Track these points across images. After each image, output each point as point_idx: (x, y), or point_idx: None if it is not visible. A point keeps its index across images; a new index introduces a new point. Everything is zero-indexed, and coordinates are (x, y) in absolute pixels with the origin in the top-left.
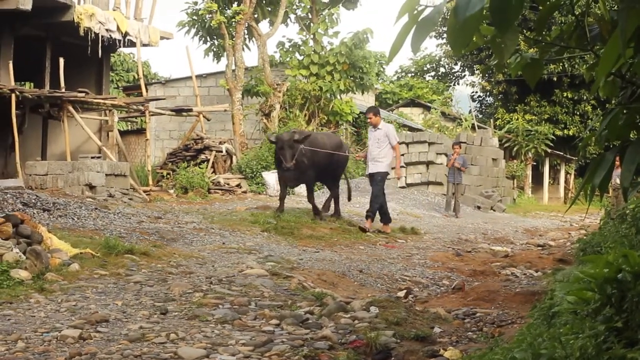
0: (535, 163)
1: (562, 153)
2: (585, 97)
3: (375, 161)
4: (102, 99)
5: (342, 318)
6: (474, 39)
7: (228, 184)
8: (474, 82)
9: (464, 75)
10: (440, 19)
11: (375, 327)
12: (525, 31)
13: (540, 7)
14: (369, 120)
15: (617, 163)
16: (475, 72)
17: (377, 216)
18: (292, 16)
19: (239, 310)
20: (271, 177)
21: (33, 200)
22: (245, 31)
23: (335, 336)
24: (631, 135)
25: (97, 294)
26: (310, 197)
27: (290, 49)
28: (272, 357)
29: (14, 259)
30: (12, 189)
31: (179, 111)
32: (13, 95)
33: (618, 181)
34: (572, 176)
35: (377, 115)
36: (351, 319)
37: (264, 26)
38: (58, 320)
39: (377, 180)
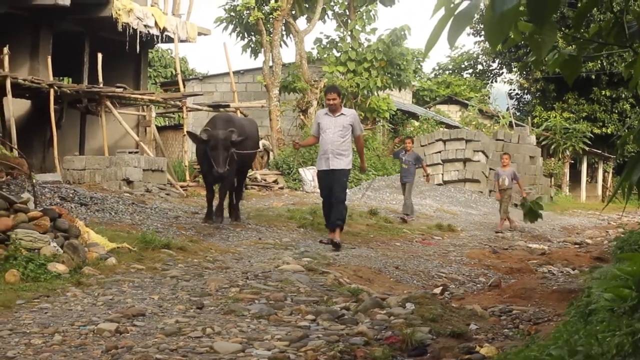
0: (573, 161)
1: (600, 151)
2: (623, 95)
3: (338, 155)
4: (140, 94)
5: (377, 314)
6: (512, 35)
7: (265, 180)
8: (512, 79)
9: (502, 73)
10: (477, 15)
11: (411, 324)
12: (563, 29)
13: (579, 4)
14: (331, 102)
15: (505, 162)
16: (513, 69)
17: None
18: (330, 13)
19: (275, 305)
20: (308, 174)
21: (71, 195)
22: (283, 27)
23: (371, 332)
24: None
25: (134, 288)
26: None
27: (328, 46)
28: (308, 352)
29: (52, 252)
30: (50, 183)
31: (216, 107)
32: (52, 90)
33: (507, 182)
34: (610, 174)
35: (340, 97)
36: (387, 315)
37: (301, 22)
38: (95, 313)
39: (343, 180)
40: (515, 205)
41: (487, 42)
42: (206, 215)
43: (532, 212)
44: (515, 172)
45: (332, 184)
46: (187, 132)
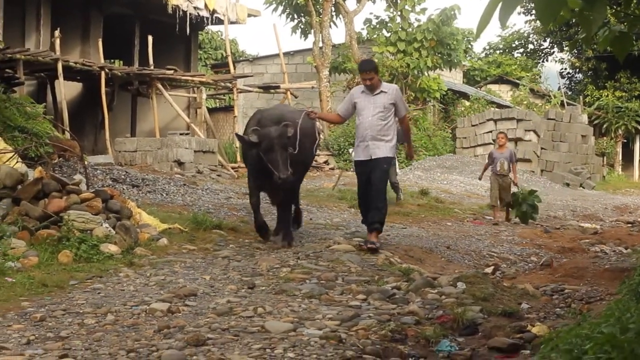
0: (625, 140)
1: None
2: None
3: (378, 140)
4: (191, 76)
5: (429, 293)
6: (562, 12)
7: (315, 161)
8: (563, 58)
9: (553, 52)
10: None
11: (462, 303)
12: (614, 5)
13: None
14: (368, 83)
15: (502, 141)
16: (565, 48)
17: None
18: None
19: (326, 285)
20: None
21: (122, 176)
22: (332, 8)
23: (422, 311)
24: None
25: (186, 268)
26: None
27: (377, 26)
28: (359, 331)
29: (104, 233)
30: (102, 165)
31: (266, 88)
32: (103, 73)
33: (505, 166)
34: None
35: (377, 72)
36: (438, 294)
37: (351, 3)
38: (147, 294)
39: (382, 168)
40: (568, 184)
41: (538, 21)
42: (263, 236)
43: (521, 208)
44: (513, 154)
45: (370, 175)
46: (235, 134)
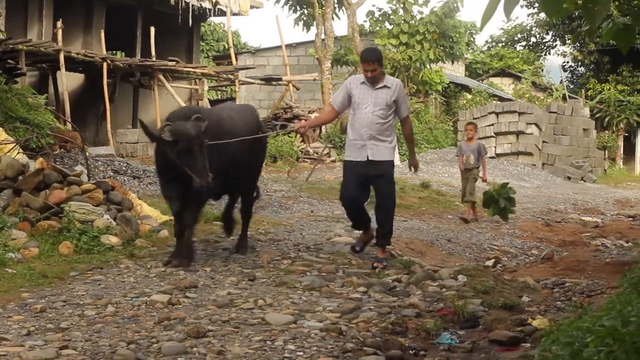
0: (627, 134)
1: None
2: None
3: (378, 141)
4: (193, 67)
5: (429, 286)
6: (565, 5)
7: (317, 153)
8: (566, 52)
9: (555, 45)
10: None
11: (463, 296)
12: None
13: None
14: (370, 75)
15: (470, 134)
16: (567, 41)
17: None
18: None
19: (327, 277)
20: None
21: (124, 168)
22: (335, 0)
23: (422, 304)
24: None
25: None
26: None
27: (380, 18)
28: (359, 323)
29: (105, 225)
30: (103, 157)
31: (268, 80)
32: (104, 64)
33: (472, 160)
34: None
35: (381, 65)
36: (439, 287)
37: None
38: (147, 285)
39: (389, 175)
40: (569, 178)
41: (540, 14)
42: (175, 252)
43: (494, 204)
44: (482, 147)
45: (371, 182)
46: (140, 122)
